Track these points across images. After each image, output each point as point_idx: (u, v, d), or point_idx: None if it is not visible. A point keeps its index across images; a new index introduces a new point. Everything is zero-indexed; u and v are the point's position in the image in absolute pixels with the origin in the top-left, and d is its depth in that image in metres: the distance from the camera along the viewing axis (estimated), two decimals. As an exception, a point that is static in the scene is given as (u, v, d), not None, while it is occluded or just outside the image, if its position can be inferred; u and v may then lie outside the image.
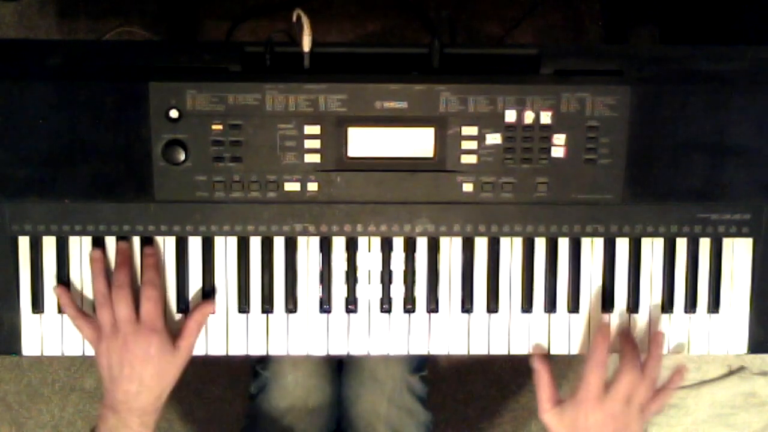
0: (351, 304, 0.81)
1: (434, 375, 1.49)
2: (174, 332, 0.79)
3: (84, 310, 0.79)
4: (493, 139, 0.77)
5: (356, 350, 0.81)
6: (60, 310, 0.80)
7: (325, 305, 0.81)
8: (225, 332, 0.81)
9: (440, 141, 0.77)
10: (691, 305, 0.82)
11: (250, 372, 1.09)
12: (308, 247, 0.80)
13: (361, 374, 1.03)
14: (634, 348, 0.79)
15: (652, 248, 0.81)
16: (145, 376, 0.75)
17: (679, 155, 0.78)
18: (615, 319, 0.82)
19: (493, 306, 0.81)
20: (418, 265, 0.81)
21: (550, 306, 0.81)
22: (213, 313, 0.80)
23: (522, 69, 0.78)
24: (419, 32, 1.40)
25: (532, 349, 0.82)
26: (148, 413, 0.77)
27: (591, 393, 0.76)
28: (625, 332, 0.81)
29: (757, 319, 0.82)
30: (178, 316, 0.80)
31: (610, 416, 0.76)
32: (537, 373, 0.80)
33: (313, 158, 0.77)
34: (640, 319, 0.82)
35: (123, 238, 0.79)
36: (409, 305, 0.81)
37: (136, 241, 0.79)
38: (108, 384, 0.76)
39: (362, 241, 0.80)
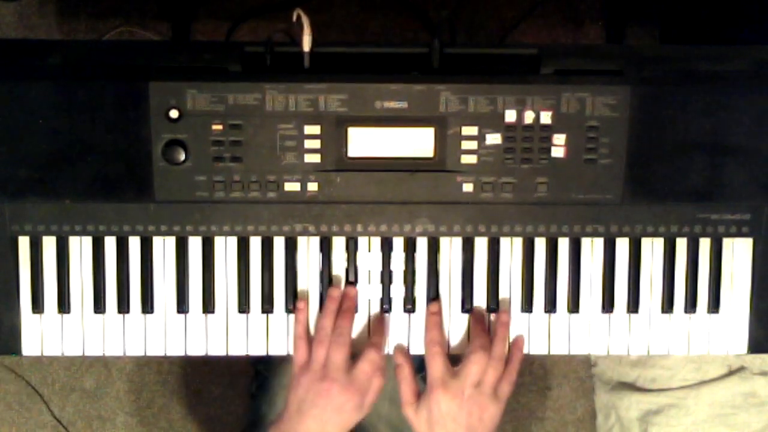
0: (351, 304, 0.81)
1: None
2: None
3: (308, 334, 0.79)
4: (493, 139, 0.77)
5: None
6: (60, 310, 0.80)
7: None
8: (225, 332, 0.81)
9: (440, 141, 0.77)
10: (691, 305, 0.82)
11: (251, 371, 1.09)
12: (308, 247, 0.80)
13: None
14: (481, 332, 0.79)
15: (652, 248, 0.81)
16: (329, 424, 0.76)
17: (679, 155, 0.78)
18: (615, 318, 0.82)
19: (493, 306, 0.81)
20: (418, 265, 0.81)
21: (550, 306, 0.81)
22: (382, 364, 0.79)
23: (522, 69, 0.78)
24: (419, 32, 1.40)
25: (394, 347, 0.81)
26: None
27: (436, 381, 0.76)
28: (476, 319, 0.80)
29: (757, 319, 0.82)
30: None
31: (462, 400, 0.75)
32: (399, 367, 0.80)
33: (313, 158, 0.77)
34: (640, 319, 0.82)
35: (123, 238, 0.79)
36: (409, 305, 0.81)
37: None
38: (292, 412, 0.77)
39: (362, 241, 0.80)
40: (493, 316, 0.81)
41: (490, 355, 0.77)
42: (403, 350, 0.81)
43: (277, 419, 0.80)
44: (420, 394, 0.79)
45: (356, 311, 0.81)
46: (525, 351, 0.82)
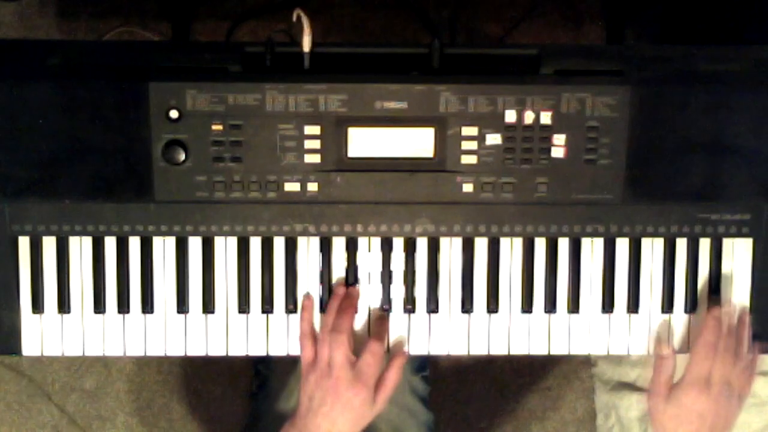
0: (351, 305, 0.81)
1: (434, 375, 1.50)
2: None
3: (313, 332, 0.79)
4: (493, 139, 0.77)
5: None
6: (60, 310, 0.80)
7: (325, 305, 0.81)
8: (225, 333, 0.81)
9: (440, 141, 0.77)
10: (691, 305, 0.82)
11: (251, 371, 1.09)
12: (308, 248, 0.80)
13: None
14: (730, 333, 0.79)
15: (652, 248, 0.81)
16: (340, 421, 0.77)
17: (679, 155, 0.78)
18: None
19: (493, 306, 0.81)
20: (418, 266, 0.81)
21: (550, 306, 0.81)
22: (406, 360, 0.80)
23: (522, 69, 0.78)
24: (419, 32, 1.40)
25: (654, 342, 0.82)
26: None
27: (698, 381, 0.77)
28: (728, 316, 0.81)
29: (757, 320, 0.82)
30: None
31: (715, 403, 0.77)
32: (663, 359, 0.80)
33: (313, 158, 0.77)
34: (641, 320, 0.82)
35: (123, 238, 0.79)
36: (409, 305, 0.81)
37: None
38: (304, 411, 0.78)
39: (362, 241, 0.80)
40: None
41: (738, 357, 0.78)
42: (666, 342, 0.81)
43: (290, 418, 0.80)
44: (671, 389, 0.79)
45: (356, 311, 0.80)
46: (524, 351, 0.82)
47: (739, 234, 0.80)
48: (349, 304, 0.79)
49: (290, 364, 1.01)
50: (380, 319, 0.81)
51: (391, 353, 0.81)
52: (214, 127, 0.76)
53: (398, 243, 0.81)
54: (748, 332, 0.81)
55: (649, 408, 0.81)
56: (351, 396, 0.76)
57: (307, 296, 0.81)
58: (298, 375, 1.01)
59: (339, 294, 0.80)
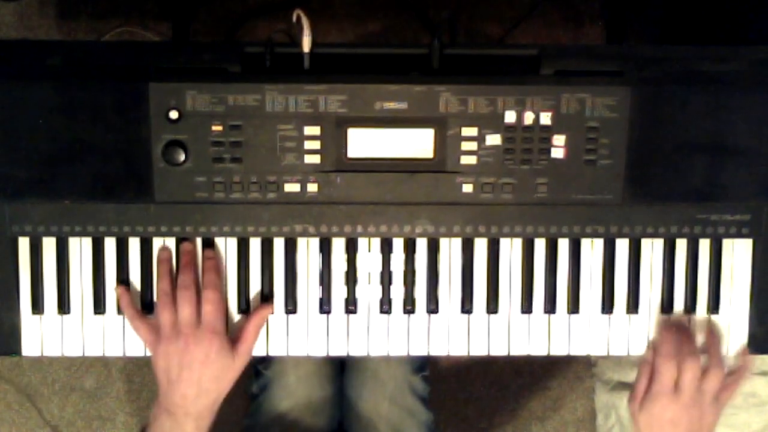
0: (351, 305, 0.81)
1: (434, 375, 1.50)
2: (233, 334, 0.79)
3: (141, 312, 0.79)
4: (493, 139, 0.77)
5: (356, 351, 0.81)
6: (60, 311, 0.80)
7: (324, 306, 0.81)
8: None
9: (440, 142, 0.77)
10: (691, 306, 0.82)
11: (251, 371, 1.09)
12: (308, 248, 0.80)
13: (363, 374, 1.03)
14: (689, 338, 0.79)
15: (652, 249, 0.81)
16: (203, 380, 0.75)
17: (679, 156, 0.78)
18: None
19: (492, 307, 0.81)
20: (418, 266, 0.81)
21: (550, 307, 0.81)
22: (272, 313, 0.80)
23: (522, 69, 0.78)
24: (419, 32, 1.40)
25: (651, 342, 0.82)
26: (204, 417, 0.77)
27: (664, 388, 0.77)
28: (681, 324, 0.81)
29: (757, 320, 0.82)
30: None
31: (685, 409, 0.77)
32: (645, 364, 0.80)
33: (313, 159, 0.77)
34: (641, 320, 0.82)
35: (123, 239, 0.79)
36: (409, 306, 0.81)
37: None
38: (165, 386, 0.76)
39: (362, 241, 0.80)
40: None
41: (710, 362, 0.78)
42: (654, 347, 0.81)
43: (156, 400, 0.78)
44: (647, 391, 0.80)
45: (195, 261, 0.79)
46: (524, 352, 0.82)
47: (739, 234, 0.80)
48: (187, 261, 0.78)
49: (290, 364, 1.01)
50: (209, 266, 0.78)
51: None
52: (214, 128, 0.76)
53: (398, 243, 0.81)
54: (718, 341, 0.81)
55: (630, 413, 0.81)
56: (204, 350, 0.75)
57: (118, 286, 0.79)
58: (297, 375, 1.01)
59: (164, 258, 0.78)
